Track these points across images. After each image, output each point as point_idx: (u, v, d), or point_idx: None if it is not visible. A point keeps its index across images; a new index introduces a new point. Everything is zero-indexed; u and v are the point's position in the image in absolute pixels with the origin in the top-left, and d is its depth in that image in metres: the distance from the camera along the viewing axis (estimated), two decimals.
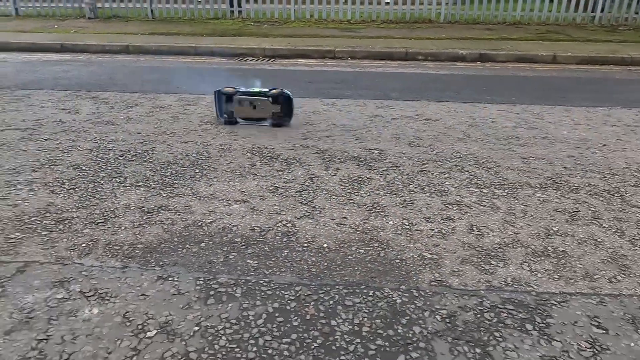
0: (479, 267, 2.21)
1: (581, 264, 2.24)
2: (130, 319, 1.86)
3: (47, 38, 8.42)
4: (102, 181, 3.01)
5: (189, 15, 10.91)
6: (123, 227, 2.49)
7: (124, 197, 2.81)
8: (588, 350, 1.74)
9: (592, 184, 3.08)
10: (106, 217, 2.59)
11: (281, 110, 4.09)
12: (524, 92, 5.49)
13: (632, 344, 1.77)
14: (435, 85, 5.85)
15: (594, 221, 2.62)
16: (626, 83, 6.03)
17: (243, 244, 2.37)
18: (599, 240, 2.44)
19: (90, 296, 1.99)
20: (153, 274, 2.13)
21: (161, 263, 2.21)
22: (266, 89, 4.15)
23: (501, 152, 3.58)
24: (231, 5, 10.96)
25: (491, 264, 2.24)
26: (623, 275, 2.17)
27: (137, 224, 2.53)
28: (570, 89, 5.66)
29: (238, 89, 4.17)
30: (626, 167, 3.35)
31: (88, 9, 10.74)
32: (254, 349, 1.73)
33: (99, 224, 2.52)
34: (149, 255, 2.26)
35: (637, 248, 2.38)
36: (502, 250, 2.34)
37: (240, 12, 11.00)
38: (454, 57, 7.68)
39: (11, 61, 7.05)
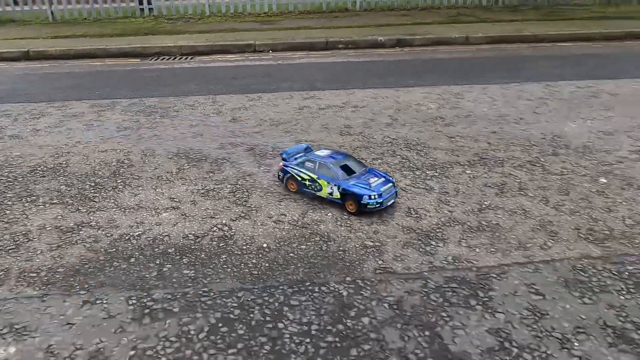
0: (421, 249, 2.22)
1: (514, 235, 2.33)
2: (55, 352, 1.67)
3: None
4: (9, 202, 2.71)
5: (94, 16, 10.22)
6: (39, 251, 2.25)
7: (38, 218, 2.54)
8: (529, 317, 1.80)
9: (515, 156, 3.23)
10: (17, 242, 2.33)
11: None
12: (443, 74, 5.67)
13: (568, 306, 1.85)
14: (359, 73, 5.89)
15: (521, 192, 2.74)
16: (533, 59, 6.41)
17: (177, 254, 2.22)
18: (527, 210, 2.55)
19: (5, 334, 1.76)
20: (78, 299, 1.93)
21: (86, 286, 2.01)
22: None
23: (428, 134, 3.65)
24: (140, 3, 10.39)
25: (431, 244, 2.26)
26: (552, 242, 2.27)
27: (56, 245, 2.29)
28: (485, 68, 5.93)
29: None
30: (543, 138, 3.54)
31: None
32: None
33: (10, 251, 2.26)
34: (71, 279, 2.05)
35: (562, 213, 2.51)
36: (440, 230, 2.38)
37: (150, 9, 10.46)
38: (373, 44, 7.78)
39: None
